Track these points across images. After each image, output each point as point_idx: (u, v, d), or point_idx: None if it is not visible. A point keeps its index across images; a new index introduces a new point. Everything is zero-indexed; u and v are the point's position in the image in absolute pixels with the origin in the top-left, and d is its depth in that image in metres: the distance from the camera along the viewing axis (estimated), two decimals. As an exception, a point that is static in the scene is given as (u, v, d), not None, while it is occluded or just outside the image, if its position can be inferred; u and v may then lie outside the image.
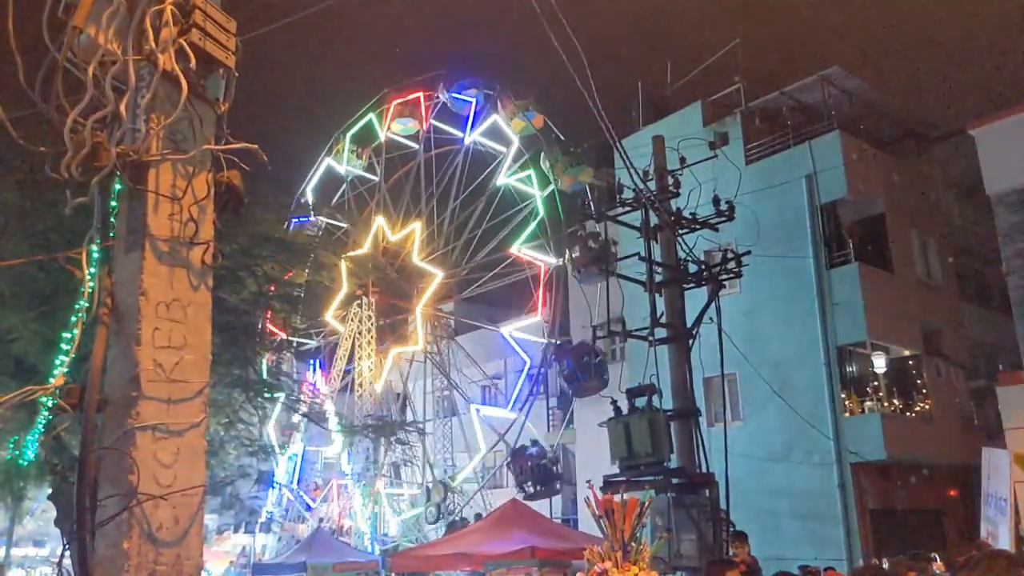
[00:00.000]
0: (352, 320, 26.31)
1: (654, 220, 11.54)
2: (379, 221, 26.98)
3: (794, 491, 17.67)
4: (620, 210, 11.87)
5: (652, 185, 11.65)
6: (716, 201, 11.64)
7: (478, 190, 26.50)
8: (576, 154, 23.72)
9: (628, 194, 11.53)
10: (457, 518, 22.68)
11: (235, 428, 13.08)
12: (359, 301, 26.16)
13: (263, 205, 11.74)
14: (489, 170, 26.29)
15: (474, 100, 26.21)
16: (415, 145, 28.02)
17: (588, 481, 7.12)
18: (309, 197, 26.16)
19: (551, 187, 24.26)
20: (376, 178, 28.11)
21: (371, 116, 28.01)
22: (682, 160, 11.77)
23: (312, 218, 24.80)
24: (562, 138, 24.64)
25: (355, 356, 26.12)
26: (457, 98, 26.41)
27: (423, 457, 26.55)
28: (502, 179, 25.55)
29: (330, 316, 26.20)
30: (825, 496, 17.28)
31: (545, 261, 24.48)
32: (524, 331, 24.62)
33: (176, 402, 3.36)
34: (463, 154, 26.75)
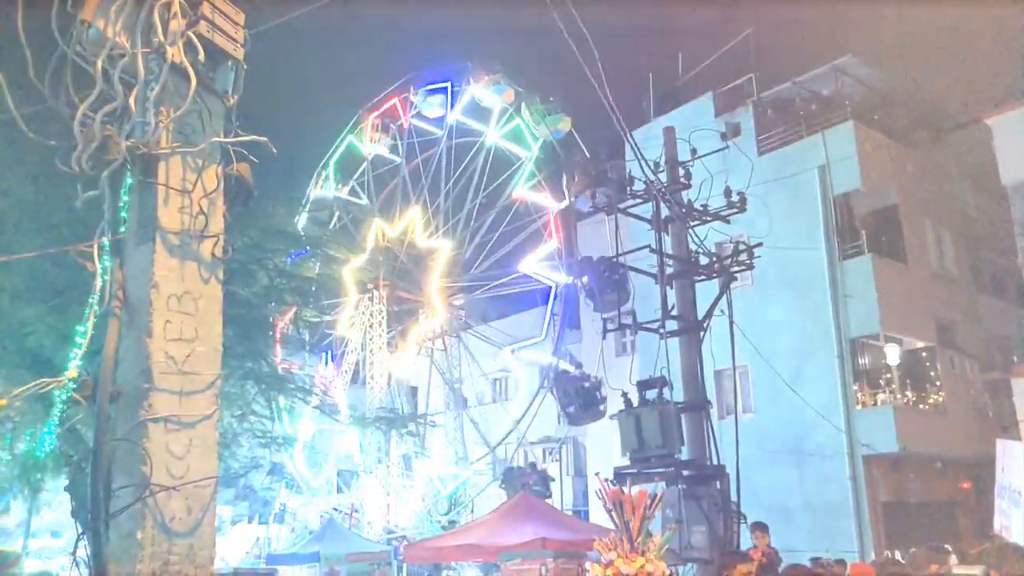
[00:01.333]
0: (363, 313, 26.41)
1: (665, 212, 11.49)
2: (376, 222, 27.05)
3: (805, 483, 17.62)
4: (631, 202, 11.83)
5: (663, 177, 11.59)
6: (728, 193, 11.58)
7: (470, 165, 26.66)
8: (554, 104, 24.22)
9: (639, 186, 11.47)
10: (513, 465, 22.57)
11: (248, 420, 13.14)
12: (369, 295, 26.26)
13: (273, 198, 11.76)
14: (475, 148, 26.44)
15: (448, 85, 26.53)
16: (398, 159, 28.31)
17: (597, 473, 7.11)
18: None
19: (544, 135, 24.65)
20: (364, 201, 28.11)
21: (350, 139, 28.21)
22: (693, 151, 11.71)
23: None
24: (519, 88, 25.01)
25: (366, 348, 26.22)
26: (432, 90, 26.66)
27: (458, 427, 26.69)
28: (491, 138, 25.72)
29: (343, 328, 26.46)
30: (837, 489, 17.23)
31: (550, 204, 24.60)
32: (540, 271, 24.71)
33: (188, 394, 3.38)
34: (447, 136, 26.96)
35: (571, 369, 21.50)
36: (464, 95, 26.20)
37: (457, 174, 26.98)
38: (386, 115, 27.72)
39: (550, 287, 23.96)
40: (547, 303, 24.08)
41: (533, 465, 21.56)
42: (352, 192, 28.06)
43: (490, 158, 25.97)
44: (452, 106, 26.55)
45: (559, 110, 24.21)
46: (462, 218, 26.63)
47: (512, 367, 25.25)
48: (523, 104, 24.89)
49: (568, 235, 23.78)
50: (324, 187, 27.80)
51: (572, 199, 22.66)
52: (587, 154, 22.34)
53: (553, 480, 21.60)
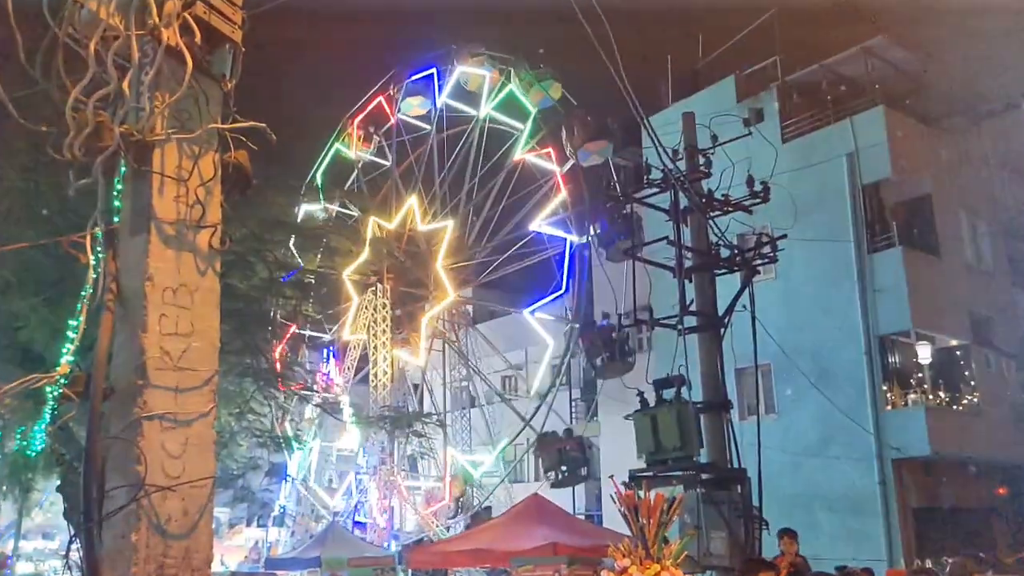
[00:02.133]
0: (367, 308, 26.47)
1: (684, 202, 11.44)
2: (372, 220, 27.07)
3: (832, 488, 17.57)
4: (648, 192, 11.78)
5: (682, 165, 11.54)
6: (750, 181, 11.52)
7: (465, 144, 26.70)
8: (543, 70, 24.64)
9: (656, 175, 11.43)
10: (547, 431, 22.51)
11: (246, 419, 13.26)
12: (373, 288, 26.34)
13: (273, 188, 11.81)
14: (470, 127, 26.48)
15: (434, 71, 26.70)
16: (386, 162, 28.42)
17: (611, 476, 7.12)
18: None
19: (538, 100, 24.85)
20: (356, 212, 28.09)
21: (337, 147, 28.29)
22: (714, 138, 11.64)
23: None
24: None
25: (370, 345, 26.30)
26: (416, 82, 26.84)
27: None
28: (484, 111, 25.78)
29: (348, 333, 26.60)
30: (865, 493, 17.17)
31: (554, 167, 24.62)
32: (552, 230, 24.90)
33: (184, 391, 3.40)
34: (438, 123, 27.07)
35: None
36: (450, 79, 26.38)
37: (453, 157, 27.12)
38: (372, 116, 27.95)
39: (560, 273, 23.93)
40: (557, 290, 24.01)
41: (569, 431, 21.30)
42: (343, 205, 28.10)
43: (485, 133, 26.07)
44: (440, 91, 26.69)
45: (549, 76, 24.50)
46: (462, 198, 26.70)
47: (531, 324, 25.30)
48: (512, 72, 25.11)
49: (577, 187, 23.84)
50: (314, 202, 27.49)
51: (573, 152, 22.82)
52: (580, 110, 22.68)
53: (591, 447, 21.27)
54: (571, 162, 23.80)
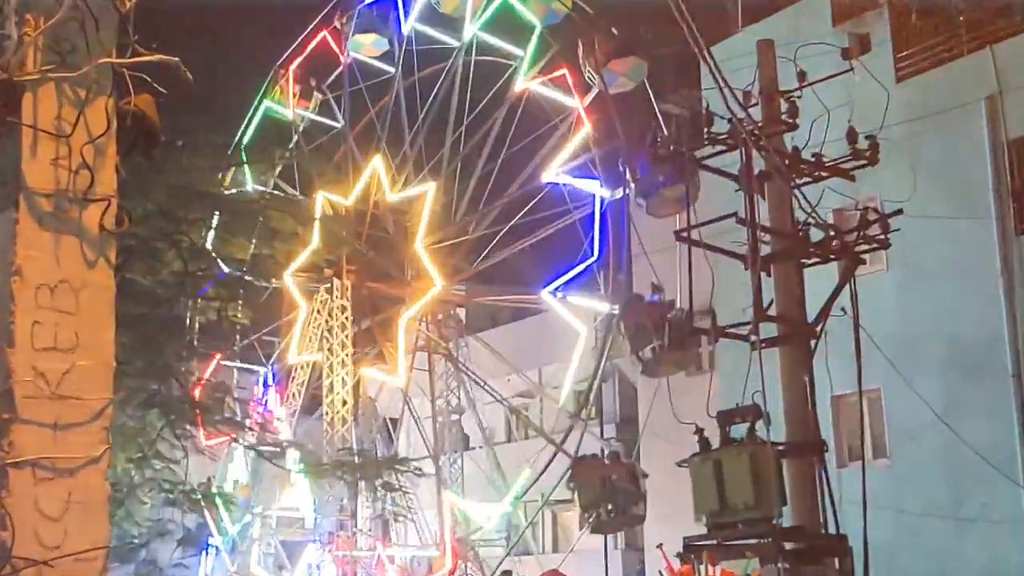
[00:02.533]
0: (319, 313, 26.52)
1: (759, 164, 11.45)
2: (320, 196, 27.01)
3: (966, 561, 17.58)
4: (709, 150, 11.78)
5: (756, 113, 11.55)
6: (852, 135, 11.52)
7: (447, 81, 26.66)
8: None
9: (721, 126, 11.44)
10: (584, 455, 22.40)
11: (151, 467, 13.32)
12: (328, 285, 26.37)
13: (190, 147, 11.86)
14: (451, 60, 26.54)
15: None
16: (337, 124, 28.54)
17: (659, 545, 7.15)
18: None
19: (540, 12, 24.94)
20: (298, 196, 28.10)
21: (267, 106, 28.35)
22: (801, 75, 11.65)
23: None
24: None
25: (325, 363, 26.36)
26: (369, 7, 26.97)
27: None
28: (469, 31, 25.78)
29: (294, 355, 26.71)
30: (1013, 569, 17.17)
31: (569, 99, 24.45)
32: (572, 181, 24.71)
33: (66, 428, 3.42)
34: (404, 61, 27.24)
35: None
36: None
37: (429, 102, 27.03)
38: (314, 61, 27.91)
39: (589, 239, 23.77)
40: (587, 258, 23.85)
41: (616, 454, 21.22)
42: (277, 187, 28.03)
43: (472, 67, 25.94)
44: (406, 15, 26.62)
45: None
46: (445, 154, 26.59)
47: (560, 315, 25.29)
48: None
49: (604, 117, 23.51)
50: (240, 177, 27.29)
51: (593, 75, 22.75)
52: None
53: (647, 476, 21.24)
54: (594, 90, 23.66)
